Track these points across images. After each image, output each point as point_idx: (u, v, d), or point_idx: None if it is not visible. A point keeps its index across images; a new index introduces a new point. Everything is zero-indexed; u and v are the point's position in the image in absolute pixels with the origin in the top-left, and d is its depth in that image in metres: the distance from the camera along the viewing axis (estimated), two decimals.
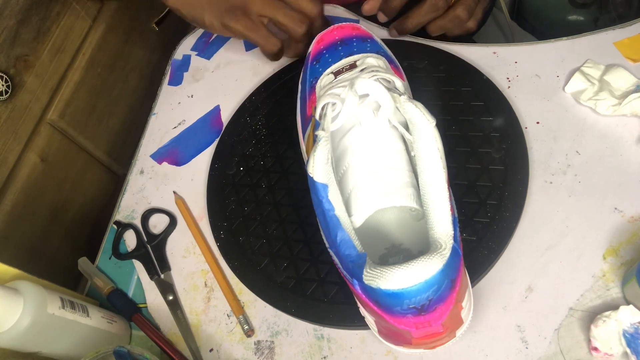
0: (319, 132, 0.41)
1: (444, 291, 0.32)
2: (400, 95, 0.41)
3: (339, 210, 0.38)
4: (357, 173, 0.42)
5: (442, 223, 0.34)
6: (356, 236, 0.37)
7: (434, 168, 0.37)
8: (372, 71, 0.44)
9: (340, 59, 0.50)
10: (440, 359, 0.45)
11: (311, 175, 0.39)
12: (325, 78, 0.49)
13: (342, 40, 0.52)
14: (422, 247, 0.42)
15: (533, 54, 0.56)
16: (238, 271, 0.51)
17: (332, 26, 0.54)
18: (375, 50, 0.52)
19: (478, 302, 0.46)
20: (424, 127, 0.38)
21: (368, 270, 0.33)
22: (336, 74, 0.49)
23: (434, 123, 0.38)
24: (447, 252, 0.32)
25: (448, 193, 0.36)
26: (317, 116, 0.44)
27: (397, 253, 0.42)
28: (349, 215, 0.40)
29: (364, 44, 0.52)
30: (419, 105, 0.39)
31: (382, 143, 0.43)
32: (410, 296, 0.31)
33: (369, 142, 0.43)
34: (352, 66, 0.49)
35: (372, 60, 0.48)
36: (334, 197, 0.38)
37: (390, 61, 0.51)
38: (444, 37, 0.60)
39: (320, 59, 0.52)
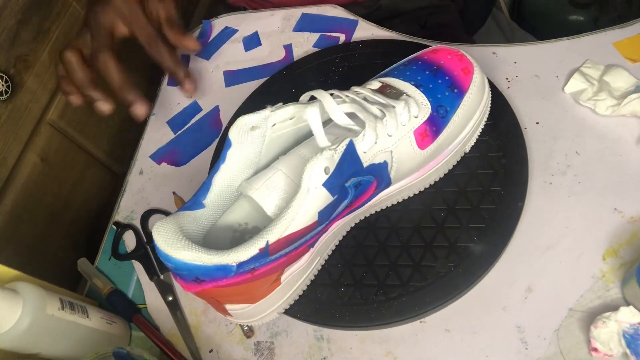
0: (268, 108, 0.43)
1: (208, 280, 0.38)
2: (329, 148, 0.40)
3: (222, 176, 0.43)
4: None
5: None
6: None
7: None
8: (359, 104, 0.44)
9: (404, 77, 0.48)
10: (439, 358, 0.45)
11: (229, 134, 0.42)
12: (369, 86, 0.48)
13: (428, 65, 0.49)
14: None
15: (533, 54, 0.56)
16: None
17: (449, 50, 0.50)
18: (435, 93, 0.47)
19: (478, 302, 0.46)
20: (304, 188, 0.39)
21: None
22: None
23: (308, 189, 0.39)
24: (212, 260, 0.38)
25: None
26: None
27: (247, 233, 0.45)
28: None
29: (435, 79, 0.48)
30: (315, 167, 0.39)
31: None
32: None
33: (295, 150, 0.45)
34: (384, 87, 0.47)
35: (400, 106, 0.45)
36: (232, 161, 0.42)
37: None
38: (443, 36, 0.60)
39: (399, 67, 0.50)
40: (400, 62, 0.51)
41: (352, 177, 0.42)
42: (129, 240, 0.58)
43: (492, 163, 0.50)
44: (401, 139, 0.44)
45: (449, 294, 0.45)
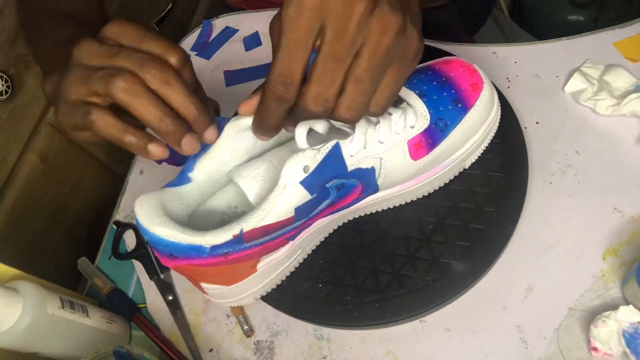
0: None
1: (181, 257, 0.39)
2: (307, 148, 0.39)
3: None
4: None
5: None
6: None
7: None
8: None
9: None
10: (439, 358, 0.45)
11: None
12: None
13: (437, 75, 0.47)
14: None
15: (533, 54, 0.56)
16: None
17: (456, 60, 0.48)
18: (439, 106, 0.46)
19: (478, 302, 0.46)
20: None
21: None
22: None
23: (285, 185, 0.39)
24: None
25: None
26: None
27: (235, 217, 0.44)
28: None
29: (441, 92, 0.46)
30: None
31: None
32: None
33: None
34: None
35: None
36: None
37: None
38: (443, 36, 0.60)
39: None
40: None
41: (335, 179, 0.41)
42: (129, 240, 0.58)
43: (490, 183, 0.49)
44: (393, 147, 0.44)
45: (449, 294, 0.45)
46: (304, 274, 0.49)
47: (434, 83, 0.47)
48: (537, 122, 0.52)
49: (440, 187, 0.49)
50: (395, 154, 0.44)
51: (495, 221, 0.47)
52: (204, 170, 0.43)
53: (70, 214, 0.65)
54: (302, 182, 0.39)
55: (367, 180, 0.44)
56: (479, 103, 0.46)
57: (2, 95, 0.56)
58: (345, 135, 0.41)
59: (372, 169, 0.43)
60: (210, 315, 0.51)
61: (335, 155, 0.41)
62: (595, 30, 0.56)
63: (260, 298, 0.49)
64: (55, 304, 0.44)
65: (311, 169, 0.39)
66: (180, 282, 0.54)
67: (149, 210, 0.39)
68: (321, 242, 0.49)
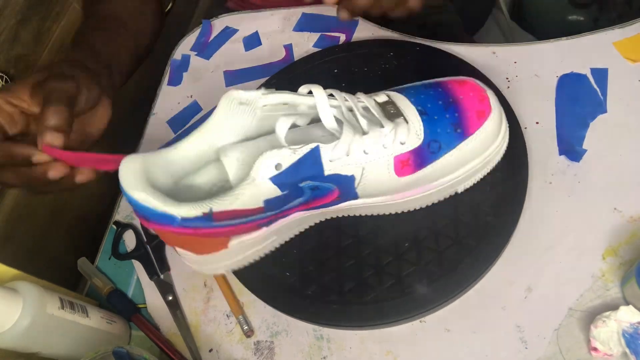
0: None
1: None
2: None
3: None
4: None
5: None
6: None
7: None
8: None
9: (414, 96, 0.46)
10: (439, 358, 0.45)
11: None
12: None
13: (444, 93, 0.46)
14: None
15: (533, 54, 0.56)
16: (238, 271, 0.51)
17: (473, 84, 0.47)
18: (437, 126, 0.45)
19: (478, 302, 0.46)
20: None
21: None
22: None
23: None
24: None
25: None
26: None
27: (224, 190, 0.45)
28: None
29: (441, 109, 0.45)
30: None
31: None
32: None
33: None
34: (388, 103, 0.45)
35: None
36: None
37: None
38: (443, 36, 0.60)
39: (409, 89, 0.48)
40: (424, 81, 0.48)
41: (309, 180, 0.41)
42: (129, 240, 0.58)
43: (477, 215, 0.47)
44: (378, 159, 0.43)
45: (449, 294, 0.45)
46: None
47: (439, 102, 0.45)
48: (537, 122, 0.52)
49: (427, 206, 0.48)
50: (379, 167, 0.43)
51: (495, 221, 0.47)
52: (195, 142, 0.44)
53: (70, 214, 0.65)
54: (272, 179, 0.40)
55: (345, 186, 0.43)
56: (481, 132, 0.44)
57: None
58: (329, 139, 0.41)
59: (352, 177, 0.43)
60: (210, 315, 0.51)
61: (313, 158, 0.41)
62: (595, 30, 0.56)
63: (260, 298, 0.49)
64: (55, 304, 0.44)
65: (284, 167, 0.40)
66: (180, 282, 0.54)
67: (130, 173, 0.41)
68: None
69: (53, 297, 0.44)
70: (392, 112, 0.44)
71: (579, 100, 0.52)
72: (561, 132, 0.51)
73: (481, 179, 0.48)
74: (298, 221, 0.47)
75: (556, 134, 0.51)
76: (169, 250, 0.56)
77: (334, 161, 0.41)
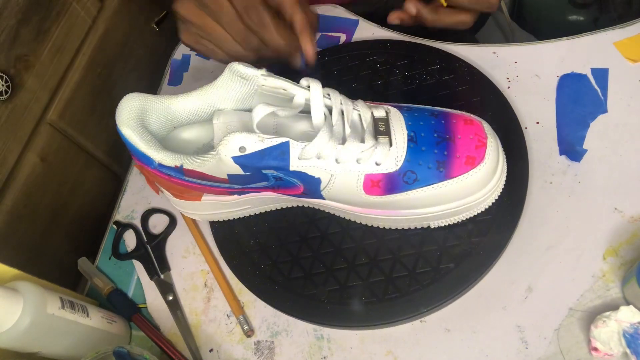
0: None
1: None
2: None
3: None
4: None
5: None
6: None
7: None
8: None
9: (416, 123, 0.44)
10: (439, 358, 0.45)
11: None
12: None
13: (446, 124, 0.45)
14: None
15: (533, 54, 0.56)
16: (238, 271, 0.51)
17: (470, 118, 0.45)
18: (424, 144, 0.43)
19: (478, 302, 0.46)
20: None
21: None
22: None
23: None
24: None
25: None
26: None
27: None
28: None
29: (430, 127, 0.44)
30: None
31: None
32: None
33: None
34: (382, 119, 0.44)
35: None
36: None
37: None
38: (443, 36, 0.60)
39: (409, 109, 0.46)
40: (435, 108, 0.46)
41: (272, 170, 0.42)
42: (129, 240, 0.58)
43: (451, 254, 0.46)
44: (349, 171, 0.42)
45: (449, 294, 0.45)
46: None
47: (435, 134, 0.43)
48: (538, 122, 0.52)
49: (396, 229, 0.47)
50: (348, 179, 0.43)
51: (495, 222, 0.47)
52: (196, 98, 0.46)
53: (70, 214, 0.65)
54: (234, 159, 0.41)
55: (310, 186, 0.43)
56: (464, 178, 0.42)
57: (2, 95, 0.56)
58: (311, 136, 0.41)
59: (319, 180, 0.43)
60: (211, 315, 0.51)
61: (280, 151, 0.41)
62: (595, 30, 0.56)
63: (261, 298, 0.49)
64: (56, 304, 0.44)
65: (248, 151, 0.40)
66: (180, 282, 0.54)
67: (127, 109, 0.45)
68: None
69: (53, 297, 0.44)
70: (381, 129, 0.43)
71: (580, 100, 0.52)
72: (561, 132, 0.51)
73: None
74: (272, 199, 0.48)
75: (556, 134, 0.51)
76: (169, 250, 0.56)
77: (302, 159, 0.41)
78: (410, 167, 0.43)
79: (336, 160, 0.42)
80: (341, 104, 0.44)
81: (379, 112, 0.45)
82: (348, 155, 0.42)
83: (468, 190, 0.43)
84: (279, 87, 0.44)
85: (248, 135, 0.40)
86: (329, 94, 0.44)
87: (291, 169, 0.42)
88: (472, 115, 0.46)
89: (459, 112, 0.46)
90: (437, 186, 0.43)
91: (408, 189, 0.43)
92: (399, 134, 0.43)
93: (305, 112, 0.44)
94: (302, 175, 0.42)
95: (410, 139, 0.43)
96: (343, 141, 0.42)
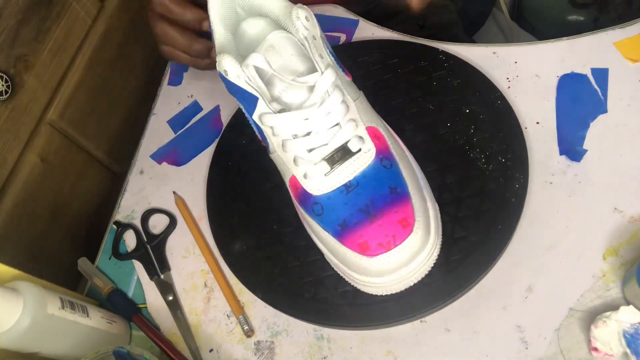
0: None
1: None
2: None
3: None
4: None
5: None
6: None
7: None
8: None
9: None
10: (439, 358, 0.45)
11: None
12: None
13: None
14: None
15: (533, 54, 0.56)
16: (238, 271, 0.51)
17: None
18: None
19: (478, 302, 0.46)
20: None
21: None
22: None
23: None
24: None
25: None
26: None
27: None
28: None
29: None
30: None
31: None
32: None
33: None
34: (348, 152, 0.43)
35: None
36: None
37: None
38: (443, 37, 0.60)
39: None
40: (403, 188, 0.43)
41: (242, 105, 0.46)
42: (130, 240, 0.58)
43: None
44: (284, 164, 0.45)
45: (449, 294, 0.45)
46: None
47: (367, 202, 0.41)
48: (538, 123, 0.52)
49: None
50: (283, 167, 0.46)
51: (495, 222, 0.47)
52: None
53: (70, 214, 0.65)
54: (220, 75, 0.43)
55: (264, 142, 0.46)
56: (347, 253, 0.42)
57: (2, 95, 0.56)
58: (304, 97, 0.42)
59: (268, 144, 0.46)
60: (211, 315, 0.51)
61: (250, 98, 0.43)
62: (595, 30, 0.56)
63: (261, 298, 0.49)
64: (56, 304, 0.44)
65: (228, 77, 0.42)
66: (180, 282, 0.54)
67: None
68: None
69: (53, 297, 0.44)
70: (336, 158, 0.42)
71: (580, 100, 0.52)
72: (562, 132, 0.51)
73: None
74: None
75: (557, 134, 0.51)
76: (169, 250, 0.56)
77: (260, 122, 0.44)
78: (323, 203, 0.42)
79: (282, 147, 0.43)
80: (339, 90, 0.43)
81: (354, 146, 0.42)
82: (291, 154, 0.43)
83: (348, 263, 0.42)
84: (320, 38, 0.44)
85: (233, 64, 0.41)
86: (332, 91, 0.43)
87: (253, 117, 0.45)
88: (402, 205, 0.42)
89: (410, 209, 0.42)
90: (326, 238, 0.43)
91: (313, 217, 0.44)
92: (342, 175, 0.42)
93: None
94: (258, 129, 0.45)
95: (346, 185, 0.42)
96: (304, 135, 0.43)
